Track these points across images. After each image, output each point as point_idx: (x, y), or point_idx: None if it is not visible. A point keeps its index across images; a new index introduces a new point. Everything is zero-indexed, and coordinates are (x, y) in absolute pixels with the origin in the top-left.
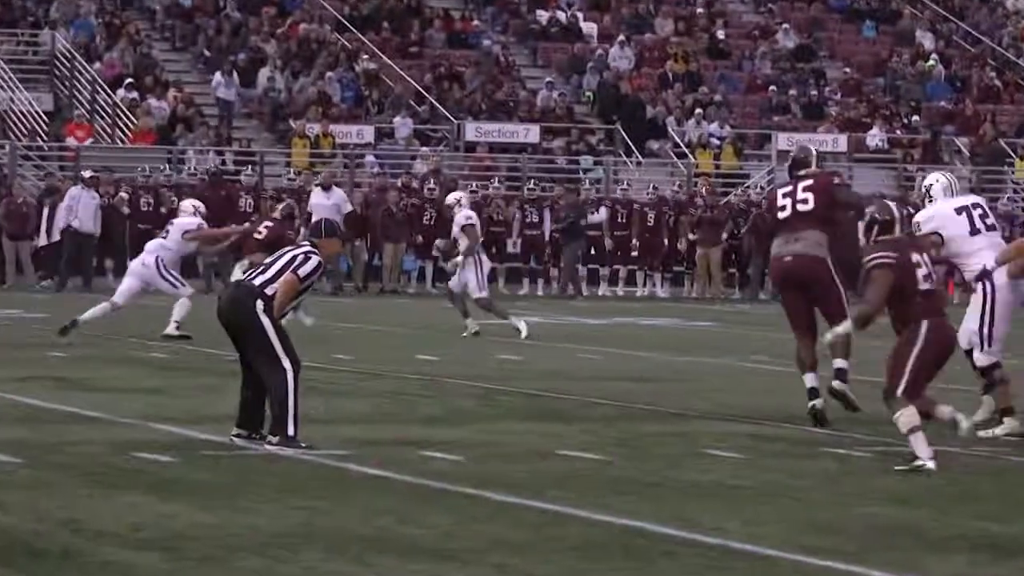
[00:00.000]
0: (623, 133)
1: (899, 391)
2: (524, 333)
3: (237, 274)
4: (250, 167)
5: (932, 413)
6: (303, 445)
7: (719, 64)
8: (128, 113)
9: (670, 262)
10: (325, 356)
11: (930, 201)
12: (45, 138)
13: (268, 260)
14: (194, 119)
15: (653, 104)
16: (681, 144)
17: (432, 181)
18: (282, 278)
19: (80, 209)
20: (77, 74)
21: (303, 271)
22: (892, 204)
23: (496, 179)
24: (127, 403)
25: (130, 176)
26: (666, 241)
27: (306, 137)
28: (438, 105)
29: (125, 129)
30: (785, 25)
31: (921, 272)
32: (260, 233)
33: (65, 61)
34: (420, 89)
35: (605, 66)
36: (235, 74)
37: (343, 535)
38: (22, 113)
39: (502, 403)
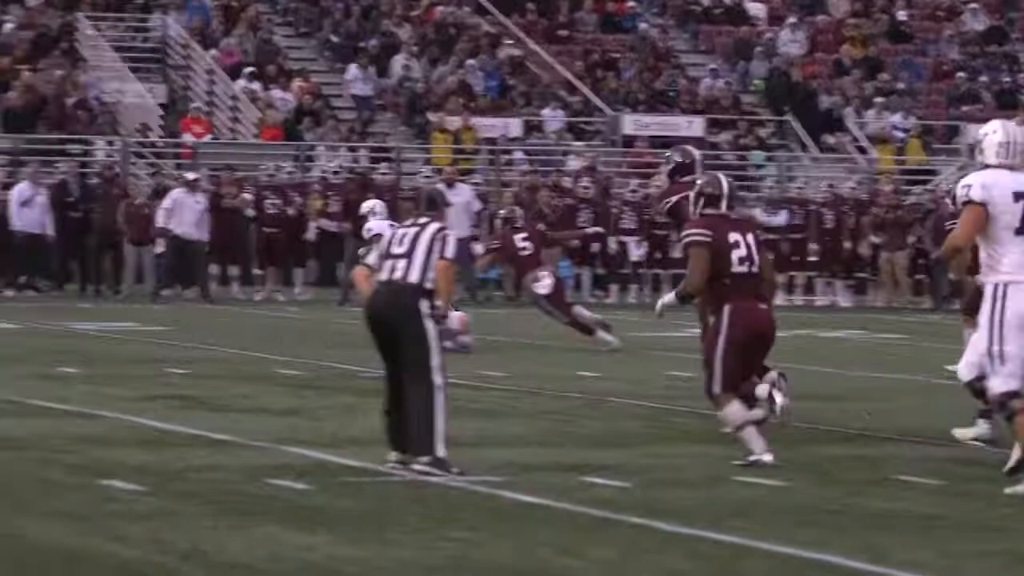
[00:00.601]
0: (796, 125)
1: (715, 387)
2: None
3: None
4: (386, 164)
5: (751, 393)
6: (454, 470)
7: (900, 48)
8: (249, 105)
9: (851, 268)
10: (472, 372)
11: (980, 155)
12: (159, 133)
13: (397, 249)
14: (322, 112)
15: (828, 93)
16: (860, 137)
17: (587, 179)
18: (438, 266)
19: (182, 213)
20: (192, 63)
21: (450, 251)
22: (722, 177)
23: (659, 177)
24: (258, 425)
25: (253, 175)
26: (847, 245)
27: (446, 131)
28: (591, 96)
29: (246, 123)
30: (973, 5)
31: (737, 254)
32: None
33: (179, 49)
34: (571, 78)
35: (774, 51)
36: (371, 67)
37: (498, 569)
38: (134, 106)
39: (672, 424)
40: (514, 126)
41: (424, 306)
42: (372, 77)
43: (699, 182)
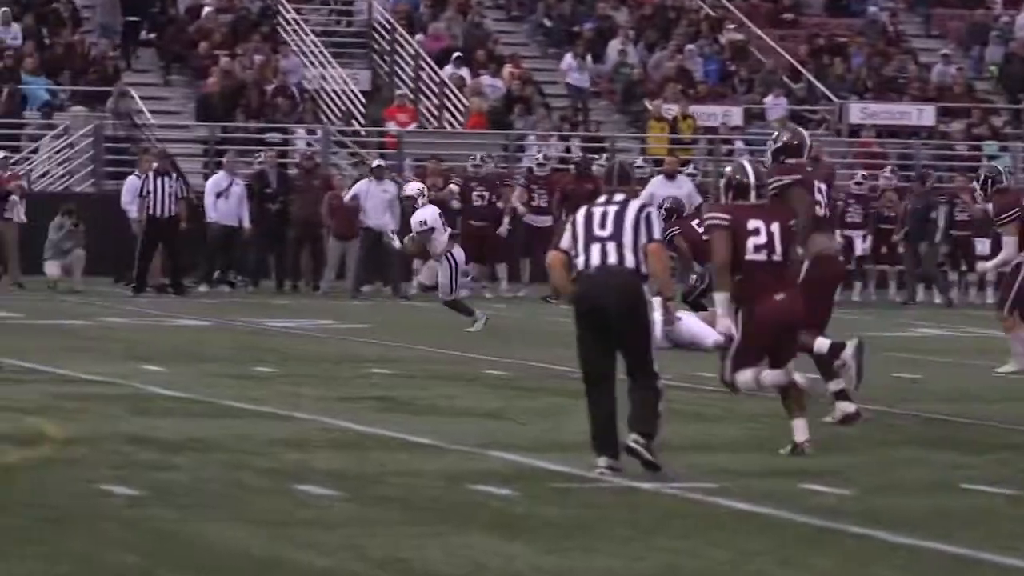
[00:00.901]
0: None
1: (727, 375)
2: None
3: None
4: (602, 155)
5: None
6: (669, 475)
7: None
8: (457, 93)
9: None
10: (686, 374)
11: None
12: (362, 121)
13: (600, 231)
14: (533, 99)
15: None
16: None
17: (811, 170)
18: (650, 249)
19: (369, 204)
20: (398, 48)
21: (657, 232)
22: (748, 165)
23: (887, 168)
24: (460, 428)
25: (461, 165)
26: None
27: (664, 120)
28: (816, 83)
29: (454, 111)
30: None
31: (755, 241)
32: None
33: (384, 33)
34: (795, 64)
35: (1011, 35)
36: (588, 57)
37: None
38: (336, 93)
39: (898, 428)
40: (735, 114)
41: (647, 293)
42: (588, 66)
43: (727, 171)
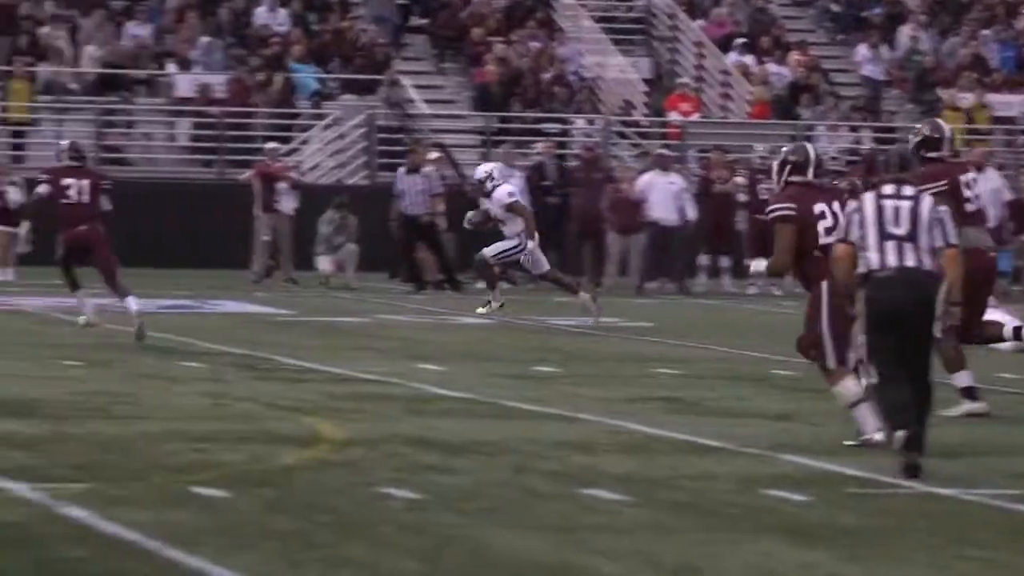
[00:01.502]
0: None
1: (830, 363)
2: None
3: None
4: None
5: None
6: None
7: None
8: (741, 81)
9: None
10: (988, 376)
11: None
12: (643, 111)
13: (896, 229)
14: (820, 88)
15: None
16: None
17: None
18: (947, 255)
19: (654, 197)
20: (679, 34)
21: (952, 237)
22: (808, 144)
23: None
24: (750, 430)
25: (746, 157)
26: None
27: (958, 110)
28: None
29: (738, 100)
30: None
31: (824, 224)
32: None
33: (665, 19)
34: None
35: None
36: (881, 45)
37: None
38: (615, 81)
39: None
40: None
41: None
42: (883, 56)
43: (783, 150)
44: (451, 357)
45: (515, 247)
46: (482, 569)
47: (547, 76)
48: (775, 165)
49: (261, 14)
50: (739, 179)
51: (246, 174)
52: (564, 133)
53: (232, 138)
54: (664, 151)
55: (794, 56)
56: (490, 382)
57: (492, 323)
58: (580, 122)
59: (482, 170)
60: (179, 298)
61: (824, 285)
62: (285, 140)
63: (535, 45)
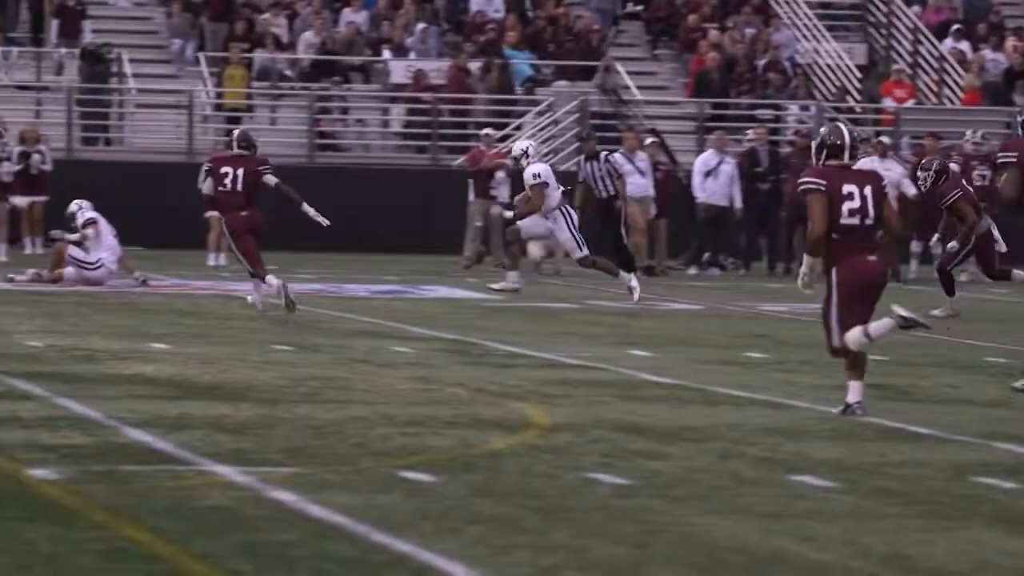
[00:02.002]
0: None
1: (835, 341)
2: (636, 295)
3: None
4: None
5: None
6: None
7: None
8: (956, 68)
9: None
10: None
11: None
12: (857, 97)
13: None
14: None
15: None
16: None
17: None
18: None
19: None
20: (895, 20)
21: None
22: (844, 127)
23: None
24: (961, 417)
25: (958, 143)
26: None
27: None
28: None
29: (953, 87)
30: None
31: (849, 205)
32: None
33: (881, 5)
34: None
35: None
36: None
37: None
38: (829, 67)
39: None
40: None
41: None
42: None
43: (821, 131)
44: (660, 343)
45: (570, 225)
46: (690, 555)
47: (761, 62)
48: (813, 146)
49: (477, 1)
50: (954, 166)
51: (460, 160)
52: (777, 119)
53: (446, 124)
54: (883, 138)
55: (1011, 42)
56: (699, 368)
57: (701, 309)
58: (794, 108)
59: (519, 148)
60: (390, 283)
61: (834, 272)
62: (499, 126)
63: (750, 31)
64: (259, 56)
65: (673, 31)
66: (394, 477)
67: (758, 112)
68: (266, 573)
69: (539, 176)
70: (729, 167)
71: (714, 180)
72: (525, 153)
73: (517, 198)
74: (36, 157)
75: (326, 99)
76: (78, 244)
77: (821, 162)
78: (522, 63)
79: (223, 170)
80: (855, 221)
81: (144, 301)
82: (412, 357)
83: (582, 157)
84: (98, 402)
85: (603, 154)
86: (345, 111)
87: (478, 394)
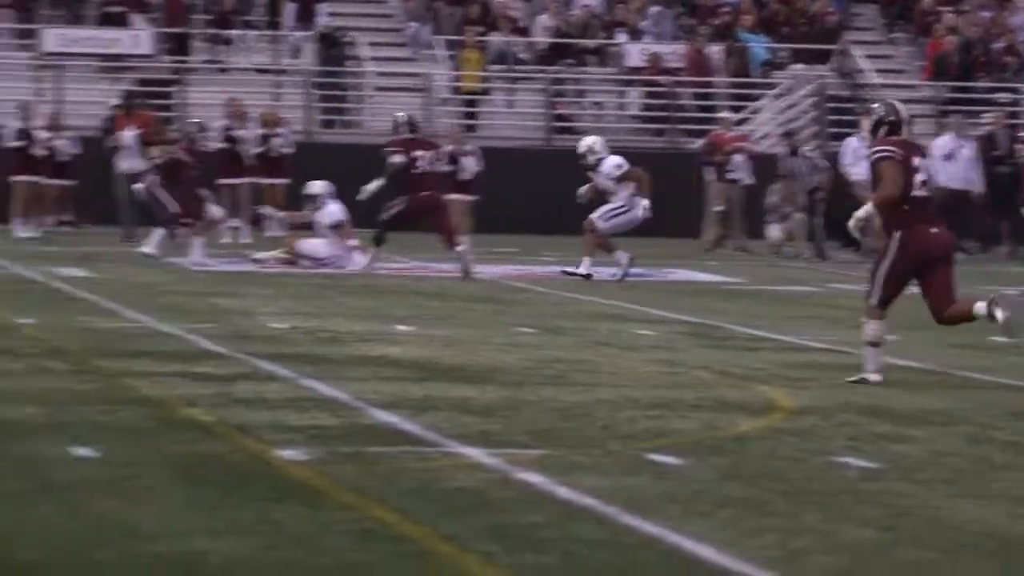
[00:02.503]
0: None
1: (873, 300)
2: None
3: None
4: None
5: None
6: None
7: None
8: None
9: None
10: None
11: None
12: None
13: None
14: None
15: None
16: None
17: None
18: None
19: None
20: None
21: None
22: (899, 104)
23: None
24: None
25: None
26: None
27: None
28: None
29: None
30: None
31: (920, 177)
32: None
33: None
34: None
35: None
36: None
37: None
38: None
39: None
40: None
41: None
42: None
43: (877, 108)
44: (904, 326)
45: (621, 207)
46: (937, 539)
47: (998, 46)
48: (868, 124)
49: None
50: None
51: (698, 143)
52: (1016, 103)
53: (683, 107)
54: None
55: None
56: (941, 351)
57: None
58: None
59: (584, 145)
60: (633, 266)
61: (897, 235)
62: (736, 110)
63: (986, 15)
64: (494, 39)
65: (908, 14)
66: (641, 459)
67: (996, 96)
68: (514, 555)
69: (621, 166)
70: (969, 151)
71: (953, 164)
72: (590, 149)
73: (582, 191)
74: (276, 140)
75: (561, 82)
76: (307, 227)
77: (880, 138)
78: (758, 46)
79: (416, 153)
80: (924, 193)
81: (387, 283)
82: (655, 340)
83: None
84: (344, 383)
85: (801, 148)
86: (581, 94)
87: (722, 377)
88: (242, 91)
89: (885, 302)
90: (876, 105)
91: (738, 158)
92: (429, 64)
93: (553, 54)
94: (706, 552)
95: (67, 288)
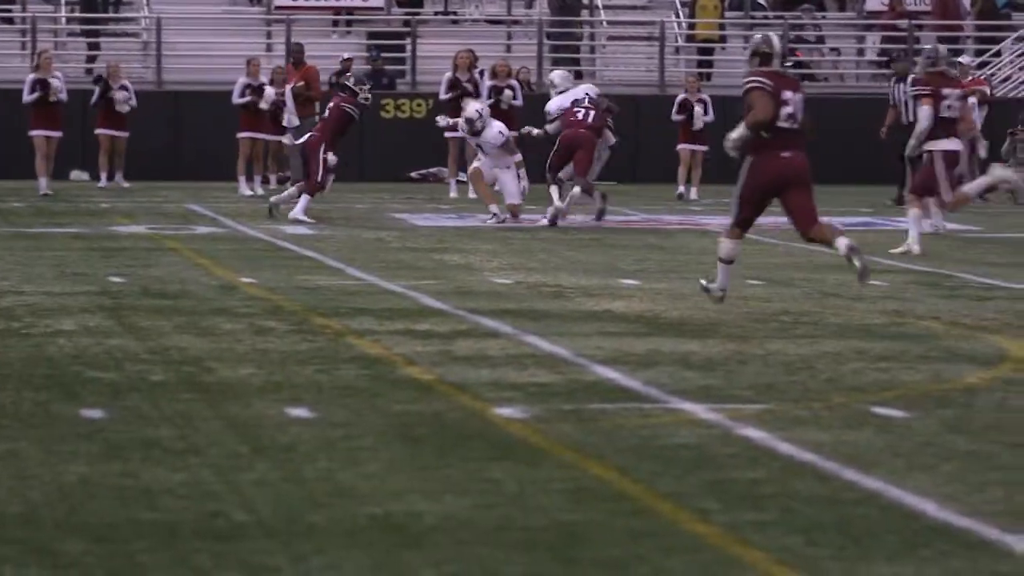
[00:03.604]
0: None
1: (731, 221)
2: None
3: None
4: None
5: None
6: None
7: None
8: None
9: None
10: None
11: None
12: None
13: None
14: None
15: None
16: None
17: None
18: None
19: None
20: None
21: None
22: (774, 35)
23: None
24: None
25: None
26: None
27: None
28: None
29: None
30: None
31: (786, 110)
32: None
33: None
34: None
35: None
36: None
37: None
38: None
39: None
40: None
41: None
42: None
43: (753, 39)
44: None
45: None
46: None
47: None
48: (748, 53)
49: None
50: None
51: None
52: None
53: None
54: None
55: None
56: None
57: None
58: None
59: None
60: (860, 216)
61: (749, 160)
62: (979, 52)
63: None
64: None
65: None
66: (865, 413)
67: None
68: (733, 512)
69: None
70: None
71: None
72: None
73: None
74: (507, 92)
75: (800, 28)
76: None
77: (753, 68)
78: None
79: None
80: (788, 125)
81: (613, 237)
82: (885, 291)
83: (893, 79)
84: (566, 339)
85: (911, 77)
86: (820, 40)
87: (952, 327)
88: (473, 42)
89: (742, 223)
90: (757, 36)
91: (972, 100)
92: (665, 12)
93: (792, 0)
94: (928, 507)
95: (291, 246)
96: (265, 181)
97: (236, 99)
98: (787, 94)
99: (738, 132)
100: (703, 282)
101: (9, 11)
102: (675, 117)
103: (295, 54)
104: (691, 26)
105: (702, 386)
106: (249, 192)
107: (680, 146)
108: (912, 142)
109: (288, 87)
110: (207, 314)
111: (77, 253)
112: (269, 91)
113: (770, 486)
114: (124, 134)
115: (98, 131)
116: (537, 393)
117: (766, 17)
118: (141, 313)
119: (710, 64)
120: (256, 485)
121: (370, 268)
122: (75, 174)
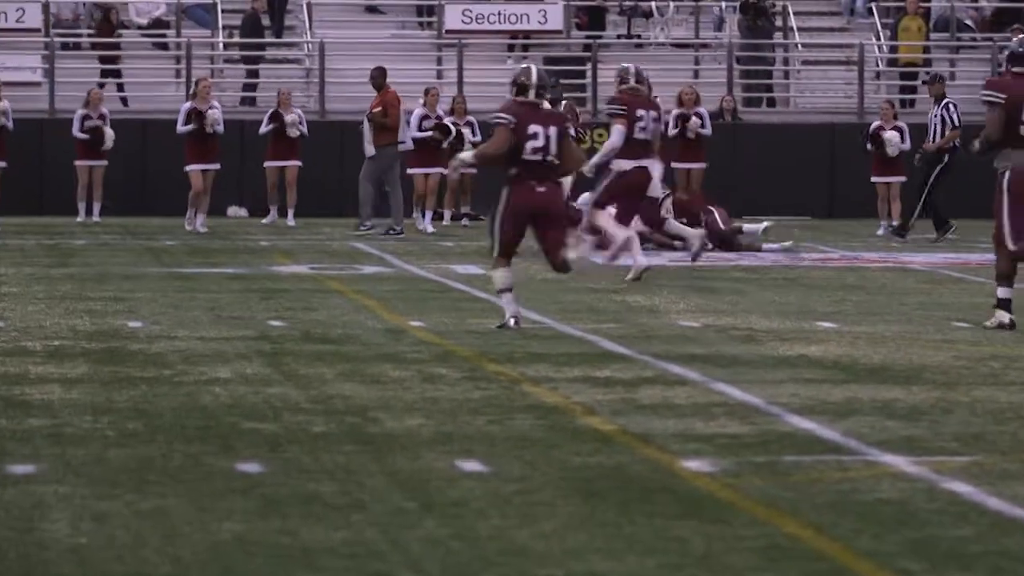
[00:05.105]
0: None
1: (496, 252)
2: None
3: None
4: None
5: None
6: None
7: None
8: None
9: None
10: None
11: None
12: None
13: None
14: None
15: None
16: None
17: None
18: None
19: None
20: None
21: None
22: (534, 67)
23: None
24: None
25: None
26: None
27: None
28: None
29: None
30: None
31: (533, 144)
32: None
33: None
34: None
35: None
36: None
37: None
38: None
39: None
40: None
41: None
42: None
43: (516, 71)
44: None
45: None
46: None
47: None
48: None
49: None
50: None
51: None
52: None
53: None
54: None
55: None
56: None
57: None
58: None
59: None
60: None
61: (505, 192)
62: None
63: None
64: (937, 5)
65: None
66: None
67: None
68: (939, 572)
69: None
70: None
71: None
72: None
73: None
74: (694, 120)
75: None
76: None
77: (512, 98)
78: None
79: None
80: (537, 158)
81: (809, 276)
82: None
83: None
84: (758, 387)
85: (946, 100)
86: None
87: None
88: (659, 67)
89: (504, 251)
90: (521, 68)
91: None
92: (865, 34)
93: (1000, 20)
94: None
95: (462, 287)
96: (437, 217)
97: (414, 133)
98: (534, 128)
99: (461, 157)
100: (498, 325)
101: (164, 35)
102: (868, 147)
103: (375, 78)
104: (893, 49)
105: (904, 437)
106: (432, 229)
107: (873, 178)
108: None
109: (366, 115)
110: (372, 360)
111: (234, 295)
112: (449, 125)
113: (978, 544)
114: (296, 163)
115: (267, 164)
116: (727, 445)
117: (973, 39)
118: (302, 360)
119: (913, 90)
120: (424, 544)
121: (546, 310)
122: (232, 210)
